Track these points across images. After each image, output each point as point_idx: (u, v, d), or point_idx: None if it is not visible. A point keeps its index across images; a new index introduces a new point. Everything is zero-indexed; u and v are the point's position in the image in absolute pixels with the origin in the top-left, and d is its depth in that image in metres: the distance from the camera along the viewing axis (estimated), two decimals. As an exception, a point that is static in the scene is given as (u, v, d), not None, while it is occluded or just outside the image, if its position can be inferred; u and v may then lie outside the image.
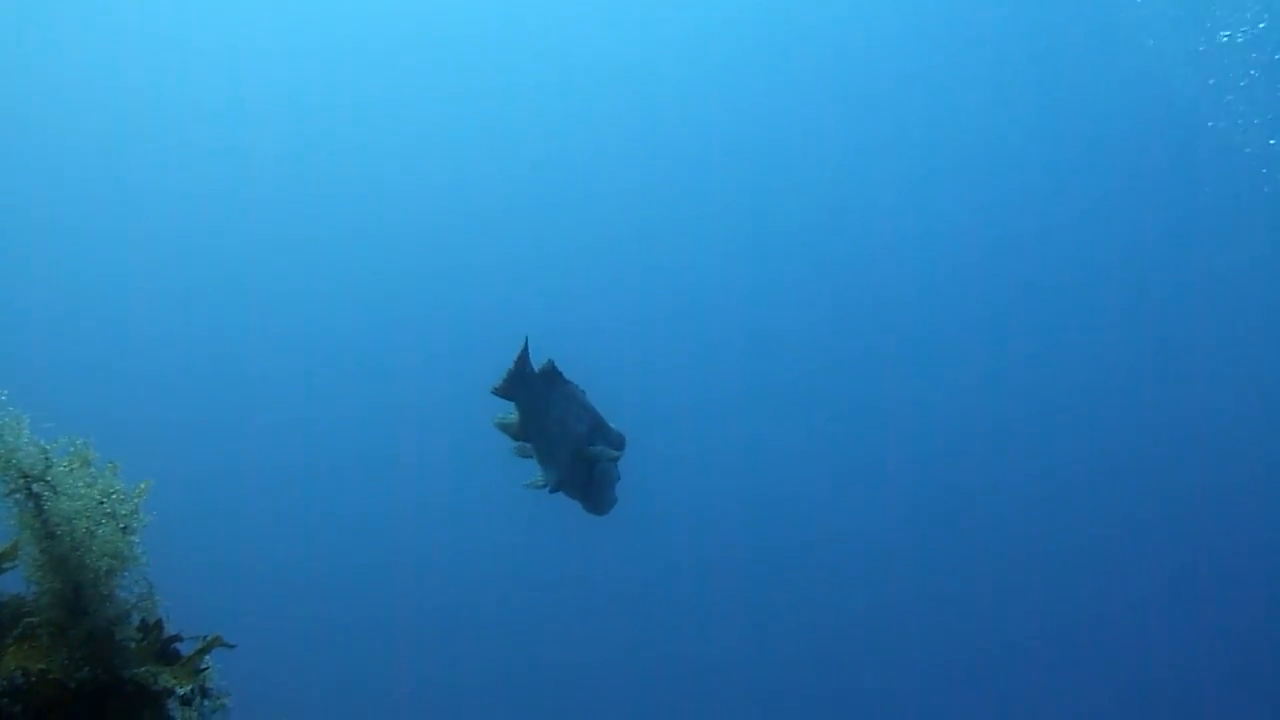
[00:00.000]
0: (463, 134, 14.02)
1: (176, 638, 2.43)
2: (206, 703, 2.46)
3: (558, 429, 3.86)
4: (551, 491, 3.90)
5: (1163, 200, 13.66)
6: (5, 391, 2.30)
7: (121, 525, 2.40)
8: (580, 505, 3.91)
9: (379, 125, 13.74)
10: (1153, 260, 13.74)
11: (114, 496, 2.39)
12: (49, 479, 2.34)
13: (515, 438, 4.04)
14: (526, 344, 3.81)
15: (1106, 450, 13.25)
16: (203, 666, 2.39)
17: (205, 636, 2.42)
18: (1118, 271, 13.75)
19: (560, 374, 3.88)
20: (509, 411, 4.08)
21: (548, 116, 14.06)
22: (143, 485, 2.48)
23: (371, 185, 13.76)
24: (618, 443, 3.84)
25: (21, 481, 2.29)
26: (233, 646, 2.44)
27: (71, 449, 2.41)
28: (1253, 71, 10.91)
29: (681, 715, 11.51)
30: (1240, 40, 10.74)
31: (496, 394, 3.98)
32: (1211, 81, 11.27)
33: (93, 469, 2.41)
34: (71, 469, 2.39)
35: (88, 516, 2.34)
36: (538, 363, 3.96)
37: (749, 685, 11.94)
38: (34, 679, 2.19)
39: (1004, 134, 13.87)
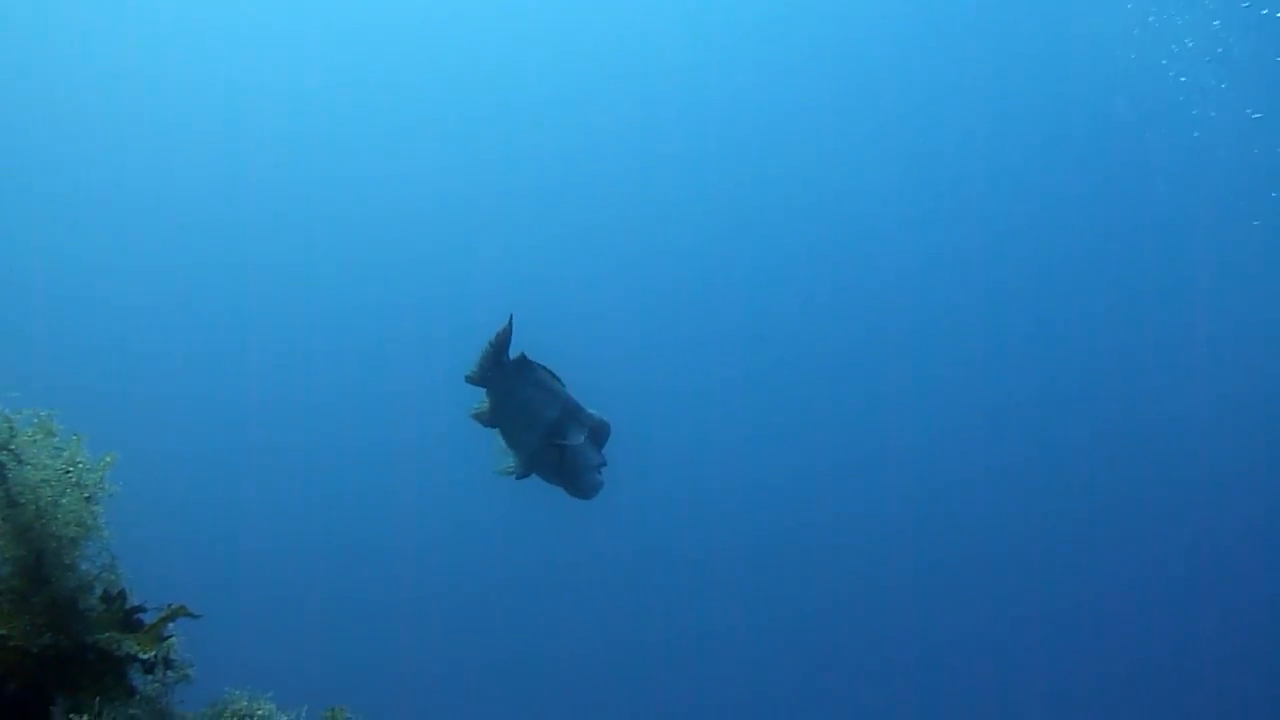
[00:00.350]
0: (456, 125, 14.07)
1: (140, 608, 2.44)
2: (170, 673, 2.47)
3: (525, 415, 3.88)
4: (519, 478, 3.91)
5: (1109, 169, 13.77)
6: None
7: (86, 495, 2.41)
8: (565, 491, 3.92)
9: (366, 116, 13.78)
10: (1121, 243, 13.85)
11: (79, 466, 2.40)
12: (13, 448, 2.35)
13: (486, 425, 4.06)
14: (510, 325, 3.80)
15: (1100, 438, 13.32)
16: (166, 635, 2.39)
17: (170, 605, 2.42)
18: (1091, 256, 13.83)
19: (530, 361, 3.89)
20: (482, 399, 4.09)
21: (540, 108, 14.12)
22: (108, 457, 2.50)
23: (368, 177, 13.80)
24: (599, 429, 3.83)
25: (-15, 449, 2.30)
26: (198, 616, 2.44)
27: (36, 420, 2.42)
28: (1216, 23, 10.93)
29: (668, 700, 11.51)
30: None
31: (471, 381, 3.99)
32: (1151, 19, 11.34)
33: (57, 439, 2.42)
34: (35, 439, 2.40)
35: (52, 486, 2.35)
36: (513, 353, 3.98)
37: (736, 672, 11.93)
38: (-5, 645, 2.20)
39: (973, 122, 13.95)
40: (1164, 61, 11.38)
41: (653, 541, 12.41)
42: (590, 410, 3.84)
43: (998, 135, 14.00)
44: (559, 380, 3.90)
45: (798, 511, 13.09)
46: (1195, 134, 11.93)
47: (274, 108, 13.44)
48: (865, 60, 13.98)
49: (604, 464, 3.81)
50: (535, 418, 3.82)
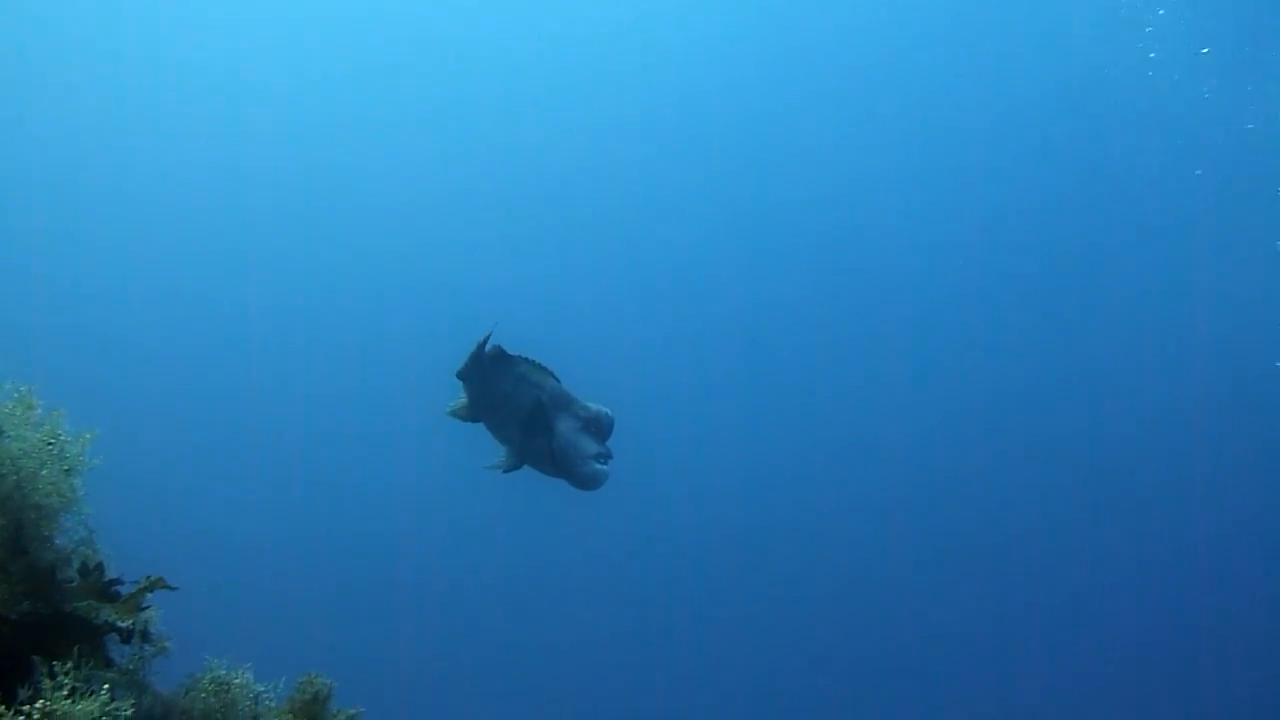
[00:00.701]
0: (461, 124, 14.21)
1: (118, 580, 2.44)
2: (148, 647, 2.47)
3: (506, 408, 3.91)
4: (505, 472, 3.93)
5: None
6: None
7: (66, 468, 2.42)
8: (568, 484, 3.88)
9: (360, 114, 13.87)
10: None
11: (61, 440, 2.42)
12: (-7, 420, 2.37)
13: (465, 420, 4.10)
14: (493, 329, 3.91)
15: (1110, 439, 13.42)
16: (145, 606, 2.39)
17: (149, 576, 2.42)
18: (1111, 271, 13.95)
19: (510, 355, 3.93)
20: (459, 396, 4.14)
21: (546, 114, 14.31)
22: (88, 433, 2.51)
23: (372, 181, 13.87)
24: (597, 420, 3.78)
25: (-36, 420, 2.31)
26: (175, 588, 2.44)
27: (16, 393, 2.44)
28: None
29: (660, 696, 11.37)
30: None
31: (461, 377, 4.05)
32: None
33: (38, 412, 2.44)
34: (15, 412, 2.41)
35: (32, 458, 2.36)
36: (491, 348, 4.03)
37: (734, 666, 11.81)
38: (-28, 611, 2.19)
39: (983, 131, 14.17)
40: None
41: (656, 534, 12.32)
42: (588, 402, 3.83)
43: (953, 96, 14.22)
44: (550, 373, 3.91)
45: (798, 508, 13.09)
46: (1149, 74, 11.93)
47: (265, 105, 13.47)
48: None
49: (607, 455, 3.76)
50: (516, 410, 3.85)
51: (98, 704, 1.89)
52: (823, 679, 11.90)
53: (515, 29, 14.18)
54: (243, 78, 13.47)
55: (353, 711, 2.42)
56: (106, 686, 1.86)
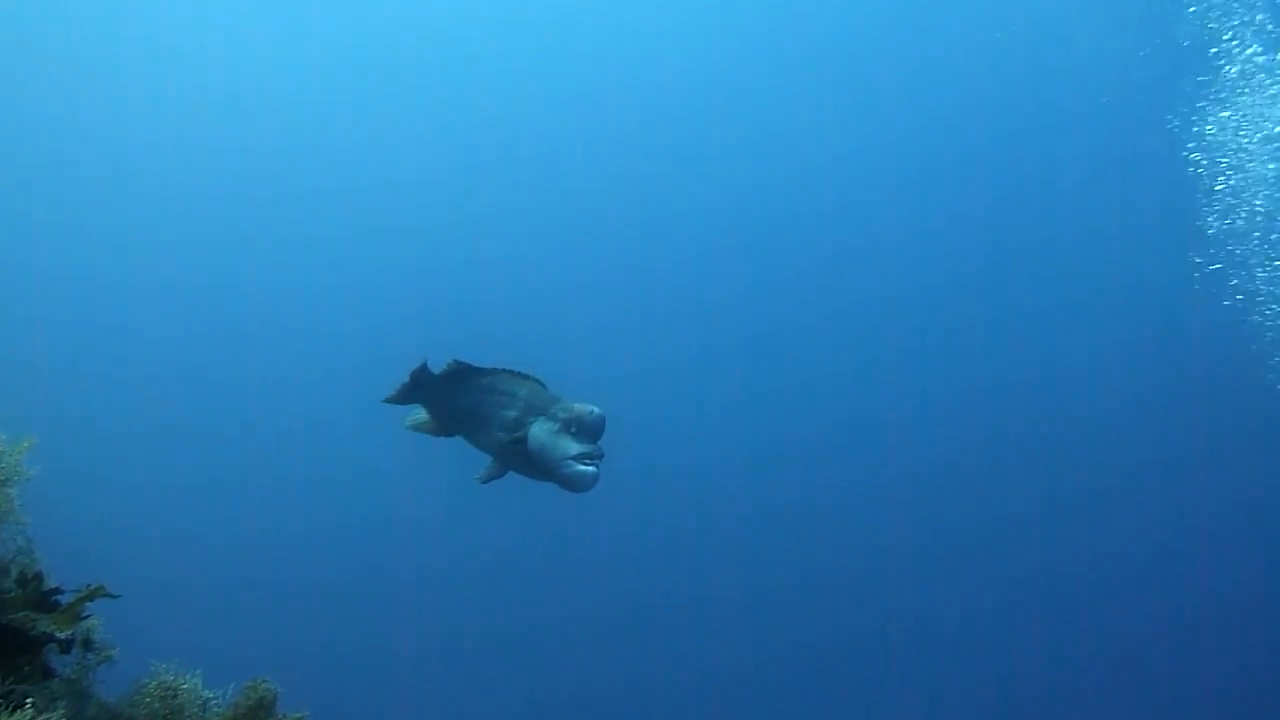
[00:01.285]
0: (460, 132, 14.13)
1: (57, 590, 2.41)
2: (91, 655, 2.44)
3: (476, 419, 3.87)
4: (484, 482, 3.89)
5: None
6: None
7: (2, 478, 2.39)
8: (558, 487, 3.75)
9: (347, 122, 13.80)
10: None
11: (-4, 450, 2.38)
12: (-77, 430, 2.33)
13: (434, 434, 4.09)
14: (423, 365, 3.93)
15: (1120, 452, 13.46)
16: (84, 615, 2.36)
17: (89, 585, 2.39)
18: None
19: (471, 368, 3.89)
20: (416, 412, 4.13)
21: (545, 115, 14.22)
22: (25, 443, 2.48)
23: (371, 184, 13.83)
24: (581, 420, 3.65)
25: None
26: (117, 596, 2.41)
27: (-52, 404, 2.40)
28: None
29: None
30: None
31: (389, 402, 4.08)
32: None
33: (-27, 423, 2.40)
34: (-53, 423, 2.38)
35: (-35, 468, 2.32)
36: (447, 364, 4.02)
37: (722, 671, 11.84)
38: (-96, 626, 2.16)
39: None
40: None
41: (653, 535, 12.29)
42: (572, 403, 3.72)
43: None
44: (528, 378, 3.82)
45: (798, 505, 13.08)
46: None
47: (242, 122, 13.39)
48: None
49: (596, 455, 3.65)
50: (488, 419, 3.81)
51: (27, 717, 1.86)
52: (823, 677, 11.91)
53: (487, 22, 14.08)
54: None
55: (298, 715, 2.40)
56: (30, 701, 1.83)
